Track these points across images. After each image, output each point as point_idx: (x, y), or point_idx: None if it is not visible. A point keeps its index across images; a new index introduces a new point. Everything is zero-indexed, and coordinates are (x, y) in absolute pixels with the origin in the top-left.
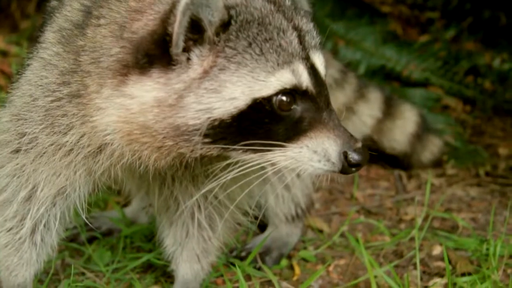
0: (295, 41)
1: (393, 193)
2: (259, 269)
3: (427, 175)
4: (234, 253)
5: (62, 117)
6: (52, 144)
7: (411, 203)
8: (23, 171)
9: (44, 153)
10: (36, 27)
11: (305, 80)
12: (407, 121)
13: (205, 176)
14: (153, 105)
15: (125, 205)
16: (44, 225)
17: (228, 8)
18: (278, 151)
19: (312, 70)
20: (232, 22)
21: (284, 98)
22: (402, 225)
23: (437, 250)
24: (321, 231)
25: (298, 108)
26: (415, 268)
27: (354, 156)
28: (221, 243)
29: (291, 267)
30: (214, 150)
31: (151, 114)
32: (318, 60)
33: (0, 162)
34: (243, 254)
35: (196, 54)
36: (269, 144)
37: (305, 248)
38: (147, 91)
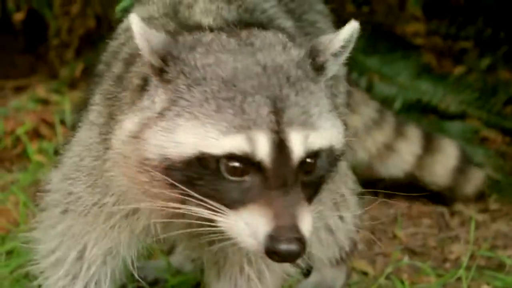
0: (265, 110)
1: (436, 231)
2: None
3: (470, 211)
4: None
5: (101, 177)
6: (94, 204)
7: (455, 241)
8: (73, 231)
9: (88, 213)
10: (84, 91)
11: (262, 153)
12: (447, 155)
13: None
14: (127, 135)
15: (170, 252)
16: (95, 284)
17: (168, 57)
18: (221, 213)
19: (280, 146)
20: (196, 72)
21: (232, 163)
22: (448, 265)
23: None
24: (365, 274)
25: (247, 178)
26: None
27: (279, 245)
28: None
29: None
30: (175, 193)
31: (125, 143)
32: (295, 138)
33: (52, 222)
34: None
35: (157, 92)
36: (211, 204)
37: None
38: (127, 122)
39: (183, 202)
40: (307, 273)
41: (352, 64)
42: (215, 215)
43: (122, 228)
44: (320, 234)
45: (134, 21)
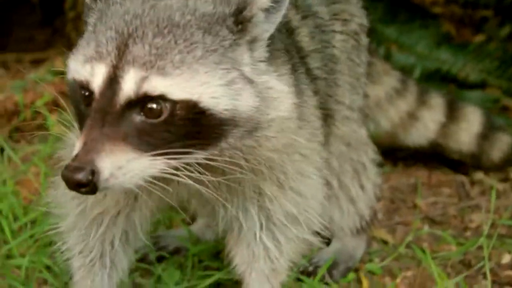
0: (112, 44)
1: (456, 200)
2: (326, 283)
3: (491, 180)
4: (301, 268)
5: None
6: None
7: (475, 210)
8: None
9: None
10: None
11: (95, 84)
12: (471, 122)
13: (257, 193)
14: None
15: (190, 222)
16: (111, 246)
17: None
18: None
19: (111, 81)
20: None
21: (83, 91)
22: (468, 233)
23: (506, 258)
24: (385, 242)
25: (87, 108)
26: (485, 278)
27: (63, 171)
28: (290, 262)
29: (358, 281)
30: None
31: None
32: (129, 77)
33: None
34: (310, 269)
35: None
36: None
37: (371, 260)
38: None
39: None
40: (327, 242)
41: (370, 33)
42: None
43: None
44: (341, 204)
45: None
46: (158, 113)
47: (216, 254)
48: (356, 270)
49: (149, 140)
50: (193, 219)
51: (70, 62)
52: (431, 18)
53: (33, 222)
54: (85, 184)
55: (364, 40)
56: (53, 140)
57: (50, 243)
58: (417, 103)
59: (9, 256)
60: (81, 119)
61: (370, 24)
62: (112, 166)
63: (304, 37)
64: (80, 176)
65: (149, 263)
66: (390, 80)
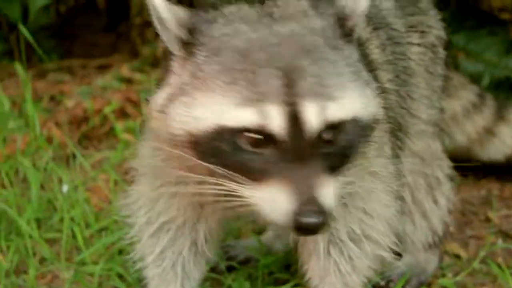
0: (276, 82)
1: None
2: None
3: None
4: (372, 282)
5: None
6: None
7: None
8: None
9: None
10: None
11: (276, 126)
12: None
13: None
14: (157, 111)
15: (260, 232)
16: (181, 256)
17: (193, 29)
18: (244, 186)
19: (294, 118)
20: (198, 44)
21: (248, 135)
22: None
23: None
24: (458, 257)
25: (263, 151)
26: None
27: (302, 218)
28: (364, 278)
29: None
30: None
31: (159, 120)
32: (310, 110)
33: (135, 197)
34: (382, 283)
35: (178, 69)
36: (233, 175)
37: (443, 275)
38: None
39: (211, 175)
40: (399, 256)
41: (447, 46)
42: (241, 187)
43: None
44: (415, 219)
45: None
46: (335, 138)
47: (286, 265)
48: (429, 285)
49: (332, 165)
50: (263, 229)
51: (201, 112)
52: (499, 25)
53: (104, 229)
54: (321, 226)
55: (442, 52)
56: (121, 147)
57: (122, 251)
58: (495, 118)
59: (82, 263)
60: (241, 164)
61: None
62: (333, 201)
63: (374, 48)
64: (319, 219)
65: (219, 273)
66: (467, 94)
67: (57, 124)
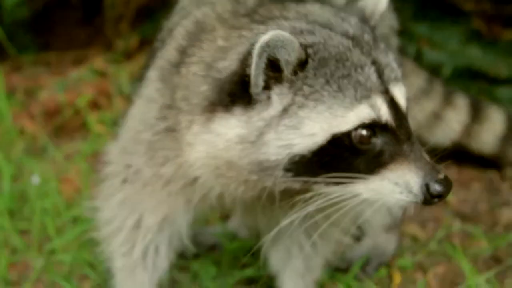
0: (374, 75)
1: (487, 195)
2: (359, 280)
3: None
4: (335, 265)
5: (161, 150)
6: (153, 175)
7: (506, 206)
8: (130, 200)
9: (147, 183)
10: (140, 67)
11: (384, 114)
12: (495, 123)
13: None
14: (237, 142)
15: (227, 218)
16: (154, 250)
17: (305, 47)
18: (360, 183)
19: (392, 103)
20: (310, 60)
21: (363, 132)
22: (499, 229)
23: None
24: (416, 238)
25: (378, 142)
26: None
27: (436, 188)
28: (324, 261)
29: (390, 276)
30: (297, 183)
31: (235, 150)
32: (399, 92)
33: (111, 191)
34: (344, 265)
35: (276, 92)
36: (350, 177)
37: (402, 256)
38: (230, 129)
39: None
40: (359, 239)
41: (401, 31)
42: (353, 186)
43: (178, 197)
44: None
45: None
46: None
47: (251, 250)
48: (388, 266)
49: None
50: (228, 216)
51: (312, 127)
52: (462, 15)
53: (76, 219)
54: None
55: (395, 42)
56: (93, 139)
57: (92, 240)
58: (443, 103)
59: (52, 252)
60: (351, 164)
61: (401, 22)
62: None
63: None
64: (450, 183)
65: (186, 259)
66: (417, 80)
67: (31, 117)
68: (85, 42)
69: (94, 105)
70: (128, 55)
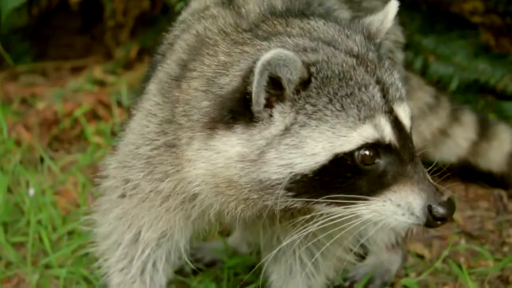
0: (378, 95)
1: (494, 214)
2: None
3: None
4: (337, 283)
5: (160, 165)
6: (151, 191)
7: None
8: (128, 215)
9: (146, 198)
10: (140, 79)
11: (388, 134)
12: (503, 141)
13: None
14: (237, 160)
15: (227, 234)
16: (152, 266)
17: (308, 65)
18: (361, 204)
19: (396, 123)
20: (312, 79)
21: (366, 152)
22: (506, 249)
23: None
24: (421, 257)
25: (381, 162)
26: None
27: (439, 210)
28: (326, 279)
29: None
30: (297, 203)
31: (235, 168)
32: (403, 112)
33: (109, 206)
34: (347, 284)
35: (277, 110)
36: (352, 197)
37: (406, 275)
38: (231, 146)
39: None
40: (362, 257)
41: (407, 44)
42: (354, 207)
43: (177, 213)
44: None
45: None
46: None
47: (252, 267)
48: (392, 285)
49: None
50: (229, 232)
51: (314, 147)
52: (469, 28)
53: (71, 233)
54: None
55: (400, 56)
56: (91, 150)
57: (88, 254)
58: (449, 120)
59: (48, 266)
60: (353, 184)
61: (407, 34)
62: None
63: None
64: (453, 205)
65: (185, 275)
66: (423, 95)
67: (27, 127)
68: (84, 51)
69: (93, 116)
70: (128, 65)
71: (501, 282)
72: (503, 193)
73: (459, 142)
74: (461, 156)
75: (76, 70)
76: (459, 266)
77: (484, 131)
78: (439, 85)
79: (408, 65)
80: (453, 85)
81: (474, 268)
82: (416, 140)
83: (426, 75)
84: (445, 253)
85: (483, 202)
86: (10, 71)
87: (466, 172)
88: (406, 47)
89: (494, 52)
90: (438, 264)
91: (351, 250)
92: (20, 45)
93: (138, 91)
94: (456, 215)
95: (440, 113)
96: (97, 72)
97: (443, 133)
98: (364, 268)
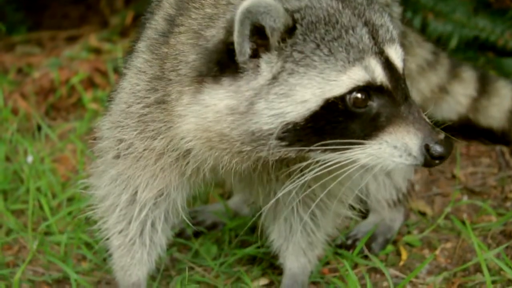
0: (366, 36)
1: (496, 170)
2: (365, 256)
3: None
4: (339, 241)
5: (152, 122)
6: (145, 149)
7: None
8: (124, 176)
9: (140, 157)
10: (131, 39)
11: (379, 75)
12: (503, 97)
13: (300, 171)
14: (227, 113)
15: (228, 197)
16: (151, 226)
17: (292, 12)
18: (357, 148)
19: (387, 64)
20: (298, 26)
21: (358, 95)
22: (508, 204)
23: None
24: (424, 214)
25: (374, 104)
26: None
27: (436, 149)
28: (326, 236)
29: (397, 253)
30: (291, 152)
31: (225, 122)
32: (394, 53)
33: (104, 168)
34: (349, 242)
35: (264, 60)
36: (347, 143)
37: (409, 232)
38: (220, 100)
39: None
40: (364, 215)
41: (406, 2)
42: (350, 152)
43: (172, 170)
44: (378, 177)
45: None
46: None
47: (253, 229)
48: (395, 242)
49: None
50: (229, 194)
51: (304, 94)
52: None
53: (71, 199)
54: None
55: (397, 10)
56: (88, 117)
57: (88, 220)
58: (449, 76)
59: (48, 233)
60: (347, 129)
61: None
62: None
63: None
64: (451, 143)
65: (187, 238)
66: (422, 52)
67: (24, 96)
68: (79, 20)
69: (89, 84)
70: (123, 32)
71: (504, 237)
72: (505, 149)
73: (459, 99)
74: (462, 113)
75: (71, 40)
76: (462, 222)
77: (484, 88)
78: (439, 43)
79: (406, 22)
80: (453, 43)
81: (477, 223)
82: (416, 97)
83: (426, 33)
84: (448, 210)
85: (485, 158)
86: (6, 41)
87: (467, 129)
88: (405, 4)
89: (494, 8)
90: (441, 221)
91: (348, 203)
92: (15, 15)
93: (129, 51)
94: (458, 172)
95: (439, 70)
96: (93, 40)
97: (443, 90)
98: (366, 226)
